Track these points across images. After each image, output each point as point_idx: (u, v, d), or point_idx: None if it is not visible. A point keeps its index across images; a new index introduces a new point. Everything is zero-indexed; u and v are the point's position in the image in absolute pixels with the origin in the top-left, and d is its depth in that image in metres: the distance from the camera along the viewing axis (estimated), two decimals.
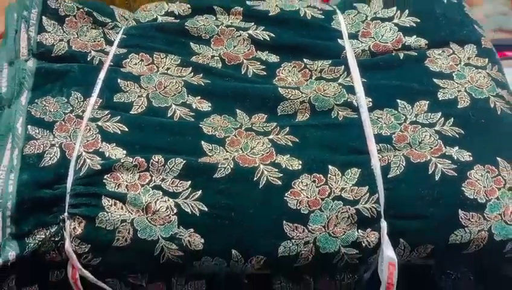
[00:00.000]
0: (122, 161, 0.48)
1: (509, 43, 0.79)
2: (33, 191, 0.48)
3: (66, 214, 0.48)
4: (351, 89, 0.55)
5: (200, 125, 0.51)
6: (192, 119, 0.52)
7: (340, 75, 0.57)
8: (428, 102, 0.54)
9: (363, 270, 0.50)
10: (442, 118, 0.53)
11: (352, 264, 0.48)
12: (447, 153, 0.50)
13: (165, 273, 0.49)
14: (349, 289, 0.53)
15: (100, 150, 0.49)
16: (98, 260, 0.47)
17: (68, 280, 0.50)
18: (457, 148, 0.50)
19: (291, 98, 0.55)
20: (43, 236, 0.47)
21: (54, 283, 0.51)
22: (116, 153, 0.49)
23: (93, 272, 0.48)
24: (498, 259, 0.48)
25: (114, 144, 0.50)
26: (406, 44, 0.60)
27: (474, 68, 0.57)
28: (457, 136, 0.51)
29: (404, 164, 0.49)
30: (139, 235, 0.46)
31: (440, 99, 0.54)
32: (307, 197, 0.47)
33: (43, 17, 0.60)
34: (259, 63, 0.59)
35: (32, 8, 0.60)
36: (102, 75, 0.57)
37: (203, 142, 0.50)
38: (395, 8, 0.62)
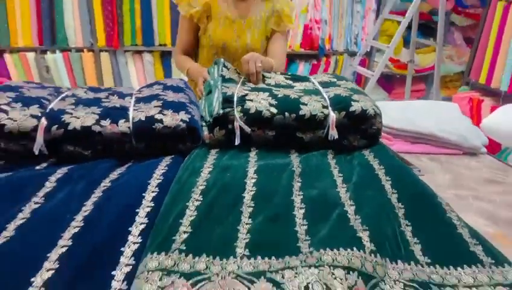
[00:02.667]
0: (249, 93, 1.36)
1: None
2: (226, 99, 1.31)
3: (235, 105, 1.29)
4: (315, 86, 1.50)
5: (270, 88, 1.43)
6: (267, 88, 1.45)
7: (312, 85, 1.51)
8: (336, 87, 1.45)
9: (325, 125, 1.31)
10: (343, 87, 1.45)
11: (321, 121, 1.29)
12: (348, 90, 1.40)
13: (261, 124, 1.27)
14: (320, 137, 1.32)
15: (243, 92, 1.37)
16: (245, 118, 1.27)
17: (234, 128, 1.29)
18: (349, 92, 1.39)
19: (299, 87, 1.48)
20: (229, 109, 1.27)
21: (230, 129, 1.27)
22: (246, 92, 1.36)
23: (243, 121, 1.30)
24: (365, 118, 1.30)
25: (247, 91, 1.38)
26: (330, 80, 1.56)
27: (351, 84, 1.52)
28: (348, 90, 1.42)
29: (333, 94, 1.38)
30: (256, 109, 1.27)
31: (340, 86, 1.46)
32: (306, 100, 1.33)
33: (223, 67, 1.54)
34: (287, 82, 1.53)
35: (220, 64, 1.55)
36: (239, 82, 1.49)
37: (272, 89, 1.41)
38: (325, 75, 1.65)
